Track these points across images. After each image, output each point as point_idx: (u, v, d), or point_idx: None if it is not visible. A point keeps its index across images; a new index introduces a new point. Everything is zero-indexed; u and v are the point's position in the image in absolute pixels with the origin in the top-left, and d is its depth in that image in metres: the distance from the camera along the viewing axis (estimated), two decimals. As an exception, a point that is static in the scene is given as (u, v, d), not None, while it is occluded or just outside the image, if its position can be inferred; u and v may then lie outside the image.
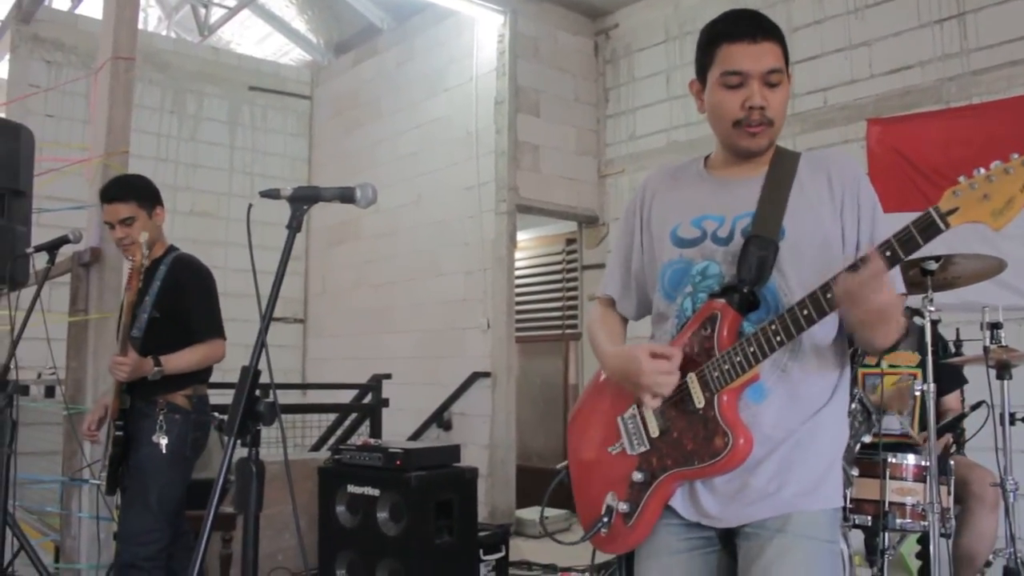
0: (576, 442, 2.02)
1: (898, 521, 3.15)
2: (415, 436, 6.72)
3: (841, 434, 1.83)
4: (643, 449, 1.81)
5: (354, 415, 6.35)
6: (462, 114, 7.24)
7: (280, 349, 8.75)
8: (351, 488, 4.32)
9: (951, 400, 3.84)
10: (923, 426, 3.46)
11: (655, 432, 1.79)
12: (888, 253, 1.51)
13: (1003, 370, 3.19)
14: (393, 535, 4.12)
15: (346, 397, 6.67)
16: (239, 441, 1.82)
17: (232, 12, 8.33)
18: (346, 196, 1.94)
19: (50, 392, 6.01)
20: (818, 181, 1.79)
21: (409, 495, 4.06)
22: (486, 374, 6.72)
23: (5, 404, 3.20)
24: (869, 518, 3.20)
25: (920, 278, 3.06)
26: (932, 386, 3.04)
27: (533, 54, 7.04)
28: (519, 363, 7.93)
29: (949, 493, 3.20)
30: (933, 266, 3.05)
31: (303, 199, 1.93)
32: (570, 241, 7.78)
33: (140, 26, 9.34)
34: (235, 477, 1.79)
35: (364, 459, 4.31)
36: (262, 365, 1.88)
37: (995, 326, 3.16)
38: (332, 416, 6.55)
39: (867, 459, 3.22)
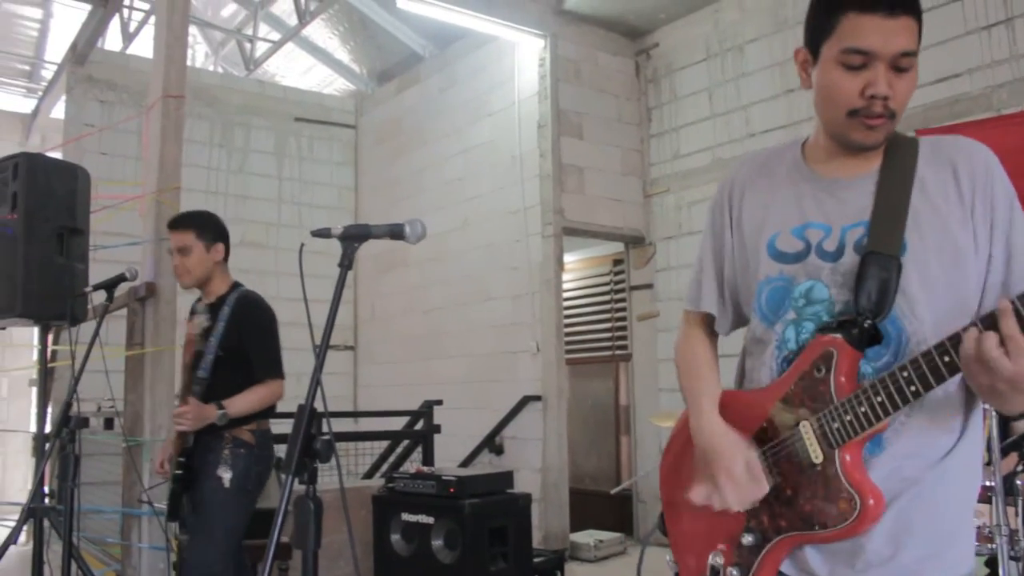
0: (669, 485, 1.78)
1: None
2: (467, 461, 6.72)
3: (973, 483, 1.53)
4: (752, 505, 1.56)
5: (406, 442, 6.36)
6: (506, 138, 7.27)
7: (331, 376, 8.82)
8: (405, 516, 4.33)
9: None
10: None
11: (767, 489, 1.53)
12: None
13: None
14: (448, 563, 4.13)
15: (398, 424, 6.69)
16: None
17: (277, 45, 8.48)
18: (396, 233, 1.96)
19: (109, 424, 6.13)
20: (943, 177, 1.48)
21: (463, 522, 4.06)
22: (537, 397, 6.70)
23: (68, 439, 3.27)
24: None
25: None
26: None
27: (574, 76, 7.06)
28: (570, 385, 7.91)
29: (1017, 514, 3.10)
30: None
31: (354, 237, 1.94)
32: (617, 262, 7.75)
33: (188, 63, 9.58)
34: (294, 513, 1.80)
35: (418, 487, 4.32)
36: (319, 402, 1.88)
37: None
38: (384, 443, 6.58)
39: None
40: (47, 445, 3.65)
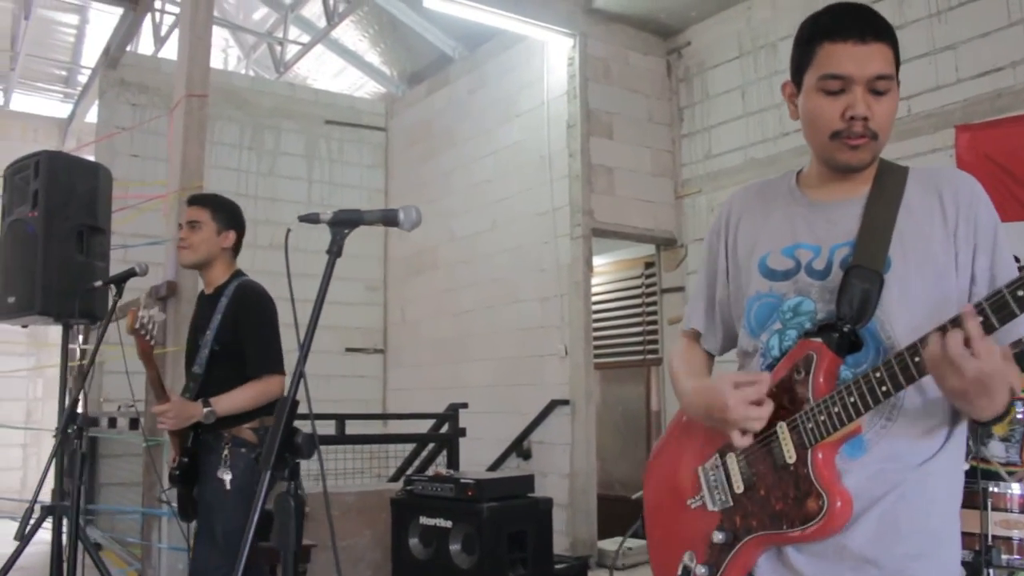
0: (653, 492, 1.83)
1: (1004, 557, 2.90)
2: (495, 466, 6.62)
3: (957, 486, 1.57)
4: (726, 505, 1.61)
5: (431, 445, 6.29)
6: (535, 139, 7.18)
7: (361, 380, 8.79)
8: (423, 519, 4.25)
9: None
10: None
11: (739, 487, 1.59)
12: (1012, 300, 1.26)
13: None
14: (466, 568, 4.04)
15: (426, 427, 6.62)
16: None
17: (306, 48, 8.48)
18: (389, 219, 1.88)
19: (134, 424, 6.13)
20: (928, 202, 1.55)
21: (481, 527, 3.97)
22: (565, 402, 6.58)
23: (75, 436, 3.23)
24: (970, 553, 2.96)
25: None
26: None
27: (604, 76, 6.95)
28: (600, 390, 7.78)
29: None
30: None
31: (343, 223, 1.86)
32: (648, 264, 7.62)
33: (220, 66, 9.65)
34: (275, 512, 1.72)
35: (436, 490, 4.24)
36: (301, 397, 1.80)
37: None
38: (411, 447, 6.52)
39: (966, 488, 2.98)
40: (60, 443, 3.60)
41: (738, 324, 1.72)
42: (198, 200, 3.52)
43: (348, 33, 8.63)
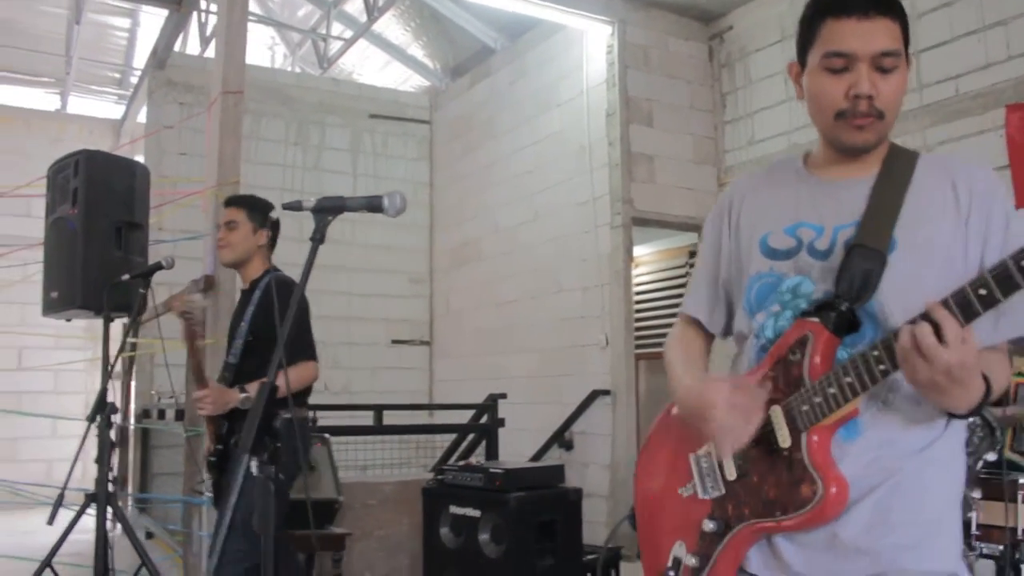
0: (643, 479, 1.77)
1: (1034, 551, 2.79)
2: (537, 456, 6.61)
3: (957, 475, 1.51)
4: (717, 493, 1.56)
5: (471, 436, 6.31)
6: (574, 128, 7.14)
7: (407, 372, 8.86)
8: (453, 509, 4.26)
9: None
10: None
11: (732, 474, 1.53)
12: (982, 292, 1.23)
13: None
14: (495, 557, 4.03)
15: (469, 417, 6.65)
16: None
17: (348, 43, 8.55)
18: (373, 205, 1.87)
19: (181, 416, 6.29)
20: (941, 187, 1.49)
21: (509, 516, 3.96)
22: (606, 392, 6.54)
23: (104, 425, 3.32)
24: (1000, 547, 2.84)
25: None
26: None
27: (643, 63, 6.87)
28: (644, 380, 7.72)
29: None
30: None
31: (327, 210, 1.86)
32: (692, 254, 7.53)
33: (267, 63, 9.78)
34: (254, 495, 1.73)
35: (466, 479, 4.25)
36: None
37: None
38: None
39: (996, 480, 2.87)
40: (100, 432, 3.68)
41: (737, 305, 1.67)
42: (234, 201, 3.71)
43: (391, 27, 8.67)
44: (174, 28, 7.31)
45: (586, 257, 6.92)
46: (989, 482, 2.87)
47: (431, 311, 9.11)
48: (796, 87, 1.61)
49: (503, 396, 6.27)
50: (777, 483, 1.46)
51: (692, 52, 7.16)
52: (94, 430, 3.36)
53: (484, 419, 6.29)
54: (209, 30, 8.12)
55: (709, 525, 1.55)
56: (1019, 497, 2.80)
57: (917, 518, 1.43)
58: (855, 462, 1.43)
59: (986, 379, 1.34)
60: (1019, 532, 2.79)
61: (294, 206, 1.87)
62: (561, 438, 6.73)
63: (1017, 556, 2.75)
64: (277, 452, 1.72)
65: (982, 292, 1.24)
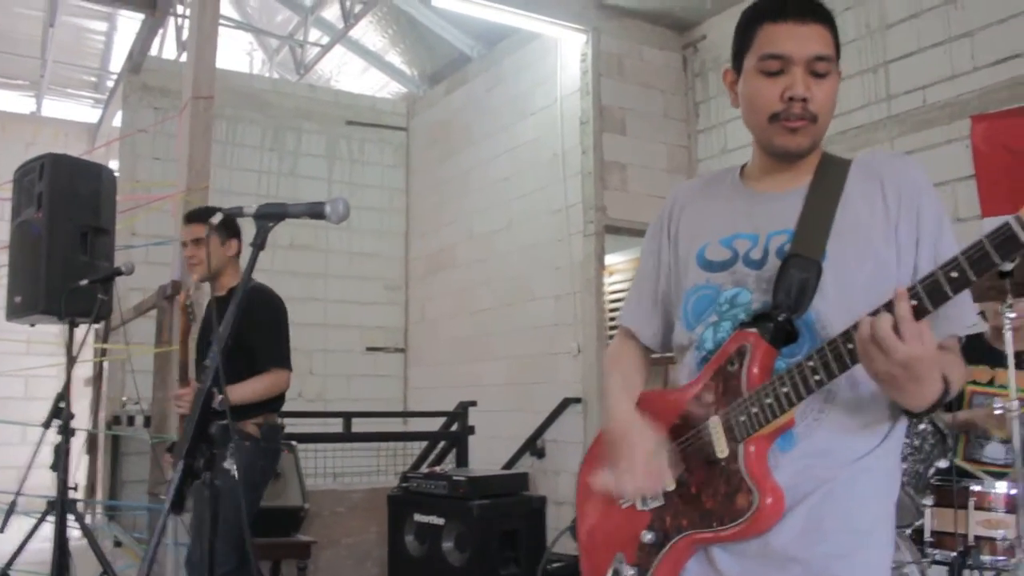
0: (584, 490, 1.75)
1: (986, 558, 2.80)
2: (509, 464, 6.59)
3: (891, 486, 1.53)
4: (656, 504, 1.56)
5: (442, 443, 6.30)
6: (549, 136, 7.15)
7: (382, 379, 8.83)
8: (418, 517, 4.26)
9: None
10: None
11: (671, 485, 1.54)
12: (913, 302, 1.25)
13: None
14: (458, 565, 4.03)
15: (441, 425, 6.64)
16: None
17: (325, 49, 8.54)
18: (315, 212, 1.87)
19: (149, 422, 6.25)
20: (870, 191, 1.52)
21: (472, 524, 3.96)
22: (577, 400, 6.54)
23: (63, 431, 3.31)
24: (952, 554, 2.86)
25: (997, 281, 2.75)
26: (1016, 403, 2.70)
27: (617, 71, 6.89)
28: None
29: (1047, 525, 2.83)
30: (1010, 266, 2.73)
31: (268, 217, 1.85)
32: (666, 261, 7.53)
33: (245, 69, 9.76)
34: (192, 501, 1.72)
35: (431, 487, 4.25)
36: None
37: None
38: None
39: (947, 487, 2.89)
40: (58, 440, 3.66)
41: (675, 318, 1.68)
42: (196, 217, 3.70)
43: (368, 34, 8.67)
44: (149, 32, 7.28)
45: (559, 265, 6.92)
46: (941, 489, 2.89)
47: (406, 318, 9.09)
48: (731, 94, 1.63)
49: (473, 404, 6.27)
50: (714, 494, 1.47)
51: (666, 61, 7.18)
52: (50, 437, 3.34)
53: (454, 427, 6.28)
54: (185, 35, 8.10)
55: (648, 537, 1.56)
56: (970, 504, 2.81)
57: (849, 527, 1.44)
58: (788, 470, 1.44)
59: (944, 379, 1.35)
60: (970, 539, 2.80)
61: (235, 212, 1.86)
62: (533, 446, 6.71)
63: (969, 562, 2.77)
64: (214, 458, 1.71)
65: (913, 303, 1.26)
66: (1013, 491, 2.81)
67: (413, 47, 8.79)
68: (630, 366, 1.77)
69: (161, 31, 7.95)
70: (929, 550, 2.87)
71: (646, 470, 1.51)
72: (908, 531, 2.93)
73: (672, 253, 1.70)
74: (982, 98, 5.21)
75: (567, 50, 7.02)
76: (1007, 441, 3.16)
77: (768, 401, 1.40)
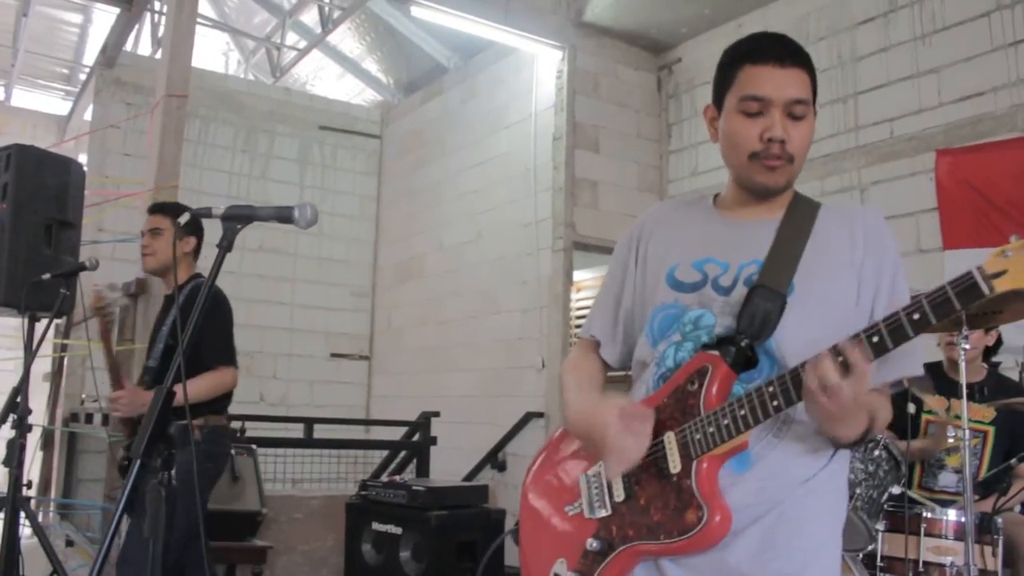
0: (531, 496, 1.79)
1: (935, 584, 2.86)
2: (469, 476, 6.59)
3: (839, 506, 1.60)
4: (603, 514, 1.59)
5: (403, 453, 6.28)
6: (521, 151, 7.19)
7: (345, 386, 8.79)
8: (376, 525, 4.24)
9: None
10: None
11: (620, 495, 1.57)
12: (875, 339, 1.32)
13: (1054, 416, 2.89)
14: (415, 575, 4.02)
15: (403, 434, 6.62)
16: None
17: (302, 53, 8.53)
18: (283, 216, 1.86)
19: (108, 420, 6.17)
20: (839, 236, 1.58)
21: (430, 534, 3.95)
22: (540, 414, 6.56)
23: (15, 427, 3.25)
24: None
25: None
26: (968, 433, 2.76)
27: (592, 90, 6.95)
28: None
29: (995, 555, 2.89)
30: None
31: (236, 218, 1.84)
32: (633, 280, 7.59)
33: (221, 69, 9.71)
34: (147, 501, 1.71)
35: (389, 496, 4.24)
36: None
37: (1034, 366, 2.87)
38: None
39: (900, 513, 2.94)
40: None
41: (639, 334, 1.70)
42: (159, 208, 3.66)
43: (346, 40, 8.68)
44: (124, 27, 7.23)
45: (527, 279, 6.95)
46: (893, 515, 2.94)
47: (372, 326, 9.07)
48: (710, 130, 1.67)
49: (436, 414, 6.26)
50: (664, 507, 1.50)
51: (641, 82, 7.26)
52: (5, 432, 3.29)
53: (416, 437, 6.27)
54: (161, 31, 8.05)
55: (593, 544, 1.58)
56: (921, 530, 2.87)
57: (800, 544, 1.50)
58: (744, 491, 1.48)
59: (871, 416, 1.43)
60: (920, 564, 2.85)
61: (203, 213, 1.85)
62: (494, 458, 6.73)
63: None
64: (171, 458, 1.70)
65: (875, 340, 1.32)
66: (962, 519, 2.86)
67: (390, 55, 8.80)
68: (589, 373, 1.79)
69: (136, 26, 7.89)
70: (880, 574, 2.92)
71: (628, 449, 1.50)
72: (860, 555, 2.99)
73: (640, 272, 1.73)
74: (947, 133, 5.33)
75: (543, 66, 7.07)
76: (958, 471, 3.22)
77: (725, 422, 1.44)
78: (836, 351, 1.33)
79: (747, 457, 1.49)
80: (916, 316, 1.29)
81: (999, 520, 2.95)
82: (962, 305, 1.26)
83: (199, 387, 3.29)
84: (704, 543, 1.45)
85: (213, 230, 1.99)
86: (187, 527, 3.40)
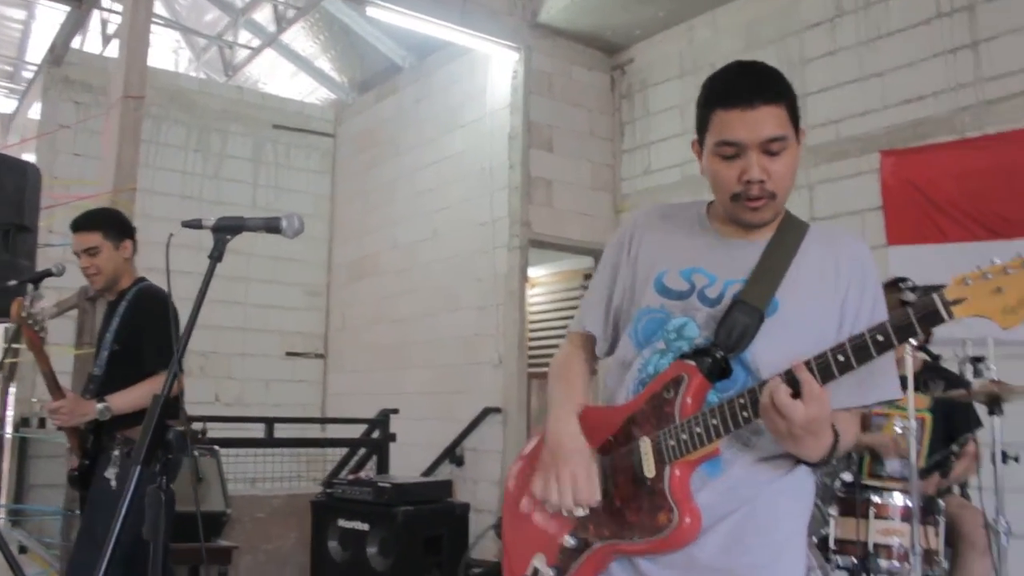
0: (513, 492, 1.84)
1: (883, 563, 3.03)
2: (428, 472, 6.66)
3: (805, 505, 1.67)
4: (581, 512, 1.64)
5: (363, 450, 6.33)
6: (477, 150, 7.27)
7: (301, 384, 8.80)
8: (342, 522, 4.30)
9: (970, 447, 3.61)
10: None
11: (597, 497, 1.62)
12: (840, 358, 1.39)
13: (994, 405, 3.07)
14: (382, 571, 4.08)
15: (361, 432, 6.66)
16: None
17: (255, 52, 8.49)
18: (272, 226, 1.91)
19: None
20: (824, 261, 1.63)
21: (397, 530, 4.02)
22: (497, 409, 6.65)
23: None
24: (854, 560, 3.08)
25: (899, 307, 2.96)
26: (914, 424, 2.93)
27: (547, 89, 7.05)
28: (536, 398, 7.86)
29: (938, 535, 3.07)
30: (911, 297, 2.96)
31: (226, 229, 1.89)
32: (587, 276, 7.72)
33: (171, 67, 9.62)
34: (146, 505, 1.76)
35: (355, 493, 4.29)
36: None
37: (977, 359, 3.04)
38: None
39: (851, 498, 3.11)
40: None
41: (623, 331, 1.76)
42: (83, 225, 3.48)
43: (299, 39, 8.66)
44: (74, 25, 7.15)
45: (482, 277, 7.03)
46: (845, 500, 3.10)
47: (327, 324, 9.08)
48: (699, 163, 1.68)
49: (395, 411, 6.32)
50: (638, 509, 1.57)
51: (594, 81, 7.38)
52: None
53: (376, 434, 6.32)
54: (110, 29, 7.96)
55: (570, 541, 1.66)
56: (871, 513, 3.03)
57: (769, 540, 1.58)
58: (714, 492, 1.56)
59: (836, 432, 1.48)
60: (870, 546, 3.02)
61: (194, 224, 1.89)
62: (452, 454, 6.80)
63: (869, 567, 3.00)
64: (169, 463, 1.75)
65: (840, 358, 1.40)
66: (908, 502, 3.03)
67: (344, 54, 8.81)
68: (578, 379, 1.83)
69: (84, 24, 7.78)
70: (833, 556, 3.08)
71: (585, 486, 1.59)
72: (815, 539, 3.15)
73: (630, 271, 1.77)
74: (890, 135, 5.53)
75: (497, 66, 7.15)
76: (903, 457, 3.39)
77: (698, 430, 1.51)
78: (788, 372, 1.41)
79: (718, 463, 1.56)
80: (880, 338, 1.37)
81: (941, 503, 3.13)
82: (923, 329, 1.35)
83: (142, 393, 3.16)
84: (675, 544, 1.53)
85: (194, 236, 2.03)
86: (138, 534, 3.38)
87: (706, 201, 1.77)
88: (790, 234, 1.65)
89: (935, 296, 1.34)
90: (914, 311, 1.35)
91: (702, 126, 1.63)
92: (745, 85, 1.57)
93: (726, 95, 1.57)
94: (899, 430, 2.99)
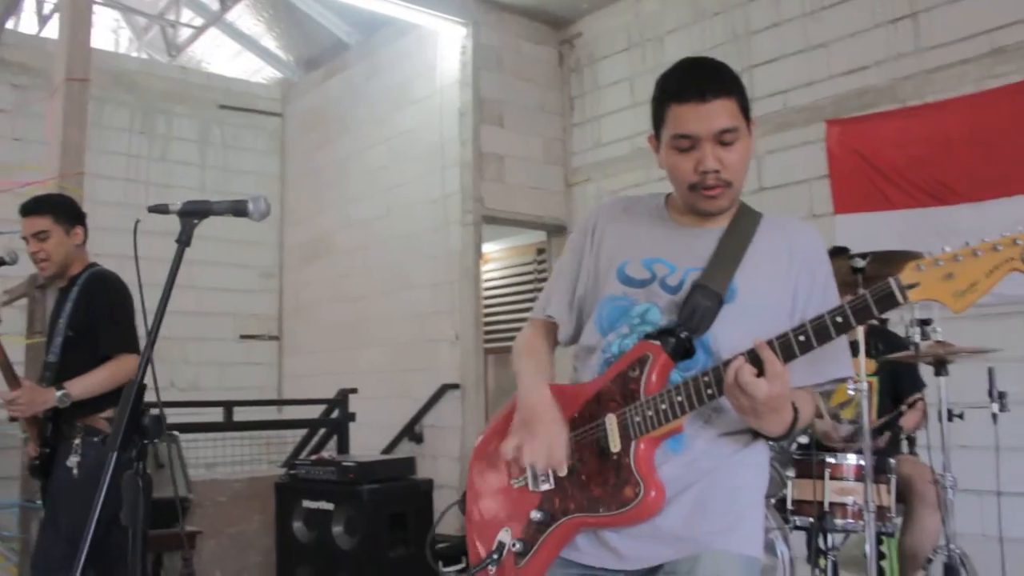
0: (478, 469, 1.90)
1: (839, 521, 3.15)
2: (387, 450, 6.69)
3: (762, 477, 1.76)
4: (547, 487, 1.72)
5: (323, 431, 6.33)
6: (428, 127, 7.25)
7: (256, 367, 8.73)
8: (307, 503, 4.31)
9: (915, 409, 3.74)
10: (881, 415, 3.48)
11: (563, 471, 1.69)
12: (801, 338, 1.48)
13: (939, 366, 3.19)
14: (348, 549, 4.12)
15: (320, 412, 6.65)
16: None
17: (199, 31, 8.34)
18: (238, 209, 1.92)
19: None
20: (777, 247, 1.73)
21: (362, 509, 4.05)
22: (455, 386, 6.70)
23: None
24: (810, 519, 3.20)
25: (851, 276, 3.07)
26: (866, 386, 3.03)
27: (496, 65, 7.05)
28: (493, 374, 7.91)
29: (890, 492, 3.19)
30: (861, 263, 3.05)
31: (193, 213, 1.90)
32: (540, 251, 7.78)
33: (111, 47, 9.40)
34: (123, 490, 1.76)
35: (319, 474, 4.31)
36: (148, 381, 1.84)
37: (924, 322, 3.16)
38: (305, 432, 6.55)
39: (807, 460, 3.22)
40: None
41: (587, 320, 1.83)
42: (34, 209, 3.44)
43: (243, 17, 8.52)
44: (9, 5, 6.95)
45: (436, 254, 7.04)
46: (801, 462, 3.21)
47: (281, 306, 9.02)
48: (657, 156, 1.77)
49: (354, 391, 6.32)
50: (603, 483, 1.64)
51: (543, 56, 7.39)
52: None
53: (335, 414, 6.32)
54: (46, 8, 7.76)
55: (536, 515, 1.71)
56: (826, 474, 3.15)
57: (728, 510, 1.66)
58: (676, 465, 1.64)
59: (795, 409, 1.58)
60: (826, 505, 3.14)
61: (160, 209, 1.90)
62: (411, 431, 6.84)
63: (824, 526, 3.11)
64: (145, 449, 1.76)
65: (801, 338, 1.48)
66: (861, 462, 3.15)
67: (289, 32, 8.69)
68: (544, 356, 1.90)
69: (18, 3, 7.56)
70: (791, 516, 3.20)
71: (555, 451, 1.67)
72: (773, 501, 3.25)
73: (593, 261, 1.85)
74: (836, 104, 5.65)
75: (446, 42, 7.13)
76: (853, 422, 3.51)
77: (663, 407, 1.59)
78: (751, 352, 1.48)
79: (682, 439, 1.64)
80: (839, 319, 1.45)
81: (892, 461, 3.25)
82: (880, 311, 1.43)
83: (99, 378, 3.15)
84: (640, 516, 1.60)
85: (161, 221, 2.02)
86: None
87: (664, 194, 1.86)
88: (745, 222, 1.75)
89: (891, 280, 1.42)
90: (871, 294, 1.43)
91: (658, 122, 1.71)
92: (697, 81, 1.65)
93: (679, 91, 1.65)
94: (851, 392, 3.10)
